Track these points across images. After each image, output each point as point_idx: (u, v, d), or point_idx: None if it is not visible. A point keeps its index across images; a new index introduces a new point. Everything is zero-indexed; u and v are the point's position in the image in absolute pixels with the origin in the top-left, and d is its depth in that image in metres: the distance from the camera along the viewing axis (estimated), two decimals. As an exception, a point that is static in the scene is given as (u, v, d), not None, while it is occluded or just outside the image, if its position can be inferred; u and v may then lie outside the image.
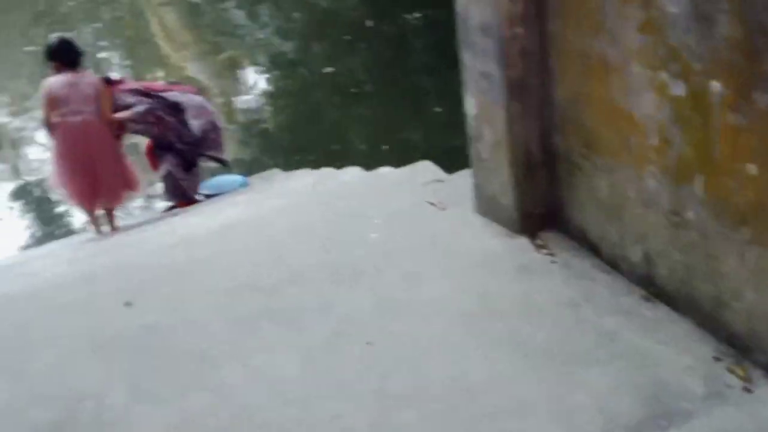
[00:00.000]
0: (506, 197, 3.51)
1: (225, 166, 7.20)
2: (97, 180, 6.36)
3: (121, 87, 6.68)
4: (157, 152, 6.84)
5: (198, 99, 7.00)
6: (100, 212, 6.67)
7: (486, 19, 3.20)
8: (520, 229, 3.52)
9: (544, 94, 3.30)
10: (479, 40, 3.28)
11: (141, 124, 6.58)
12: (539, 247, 3.44)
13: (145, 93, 6.71)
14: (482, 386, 2.73)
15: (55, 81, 6.19)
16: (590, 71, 3.01)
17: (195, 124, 6.70)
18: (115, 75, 7.07)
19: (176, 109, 6.73)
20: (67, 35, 6.79)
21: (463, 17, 3.36)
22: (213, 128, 6.86)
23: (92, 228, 6.70)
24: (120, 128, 6.52)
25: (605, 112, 3.00)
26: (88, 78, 6.33)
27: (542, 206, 3.51)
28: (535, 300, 3.12)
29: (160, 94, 6.78)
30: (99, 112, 6.23)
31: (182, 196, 6.88)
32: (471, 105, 3.54)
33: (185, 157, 6.80)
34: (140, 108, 6.54)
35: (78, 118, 6.14)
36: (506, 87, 3.24)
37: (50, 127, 6.24)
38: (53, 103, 6.14)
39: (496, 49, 3.20)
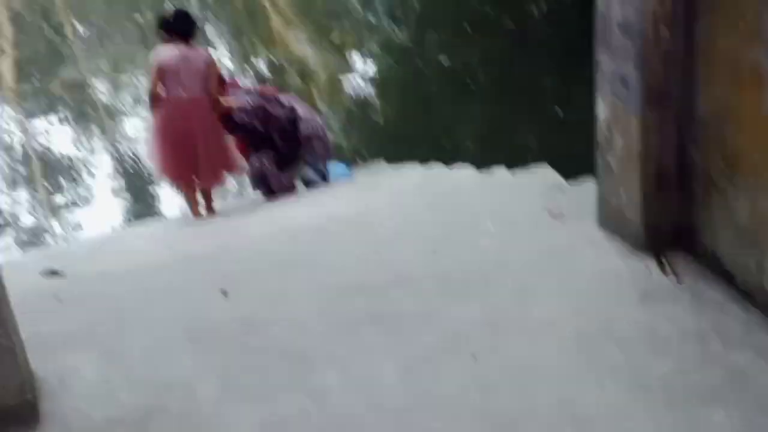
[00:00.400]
0: (634, 212, 3.42)
1: (324, 181, 7.22)
2: (197, 159, 6.46)
3: (236, 86, 6.86)
4: (251, 146, 6.97)
5: (309, 109, 7.17)
6: (196, 193, 6.79)
7: (628, 18, 3.12)
8: (646, 247, 3.43)
9: (684, 103, 3.20)
10: (618, 39, 3.21)
11: (249, 114, 6.70)
12: (666, 269, 3.34)
13: (260, 94, 6.88)
14: (592, 416, 2.66)
15: (167, 52, 6.30)
16: (740, 82, 2.90)
17: (303, 127, 6.85)
18: (228, 76, 7.23)
19: (292, 110, 6.89)
20: (183, 7, 6.94)
21: (603, 13, 3.28)
22: (318, 138, 6.96)
23: (188, 208, 6.83)
24: (227, 113, 6.63)
25: (753, 129, 2.89)
26: (200, 53, 6.44)
27: (672, 225, 3.41)
28: (658, 328, 3.02)
29: (275, 96, 6.95)
30: (206, 90, 6.33)
31: (267, 188, 6.98)
32: (602, 110, 3.46)
33: (282, 156, 6.92)
34: (249, 99, 6.68)
35: (185, 92, 6.24)
36: (644, 93, 3.15)
37: (154, 99, 6.36)
38: (162, 74, 6.26)
39: (637, 51, 3.12)
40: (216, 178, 6.84)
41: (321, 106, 10.12)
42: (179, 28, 6.42)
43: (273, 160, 6.94)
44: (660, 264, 3.37)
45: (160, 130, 6.47)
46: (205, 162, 6.56)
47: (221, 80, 6.89)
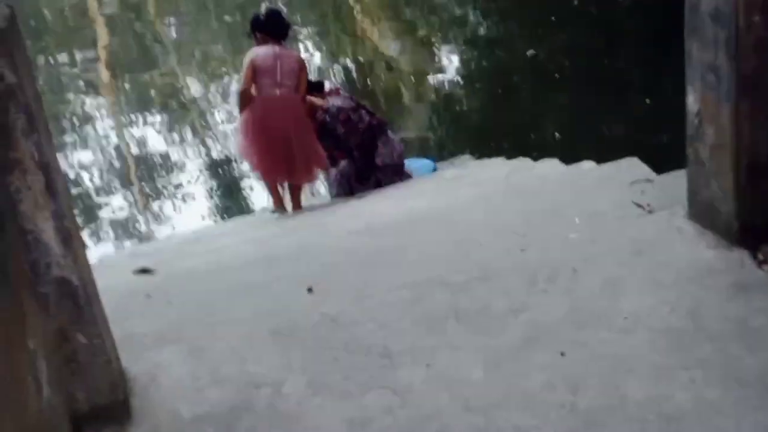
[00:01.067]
0: (726, 204, 3.33)
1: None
2: (292, 156, 6.56)
3: (335, 95, 6.94)
4: (334, 146, 7.03)
5: (396, 137, 7.22)
6: (284, 189, 6.88)
7: (719, 5, 3.04)
8: (738, 241, 3.34)
9: (778, 91, 3.11)
10: (709, 28, 3.13)
11: (330, 117, 6.77)
12: (760, 262, 3.25)
13: (357, 102, 6.95)
14: (685, 413, 2.60)
15: (262, 52, 6.42)
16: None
17: (381, 150, 6.90)
18: (328, 84, 7.31)
19: (380, 125, 6.94)
20: (275, 8, 7.04)
21: (693, 2, 3.20)
22: (393, 165, 6.99)
23: (275, 205, 6.93)
24: (310, 112, 6.73)
25: None
26: (293, 53, 6.55)
27: (766, 217, 3.32)
28: (752, 322, 2.94)
29: (370, 109, 7.01)
30: (298, 88, 6.44)
31: (350, 193, 7.03)
32: (693, 100, 3.38)
33: (359, 169, 6.97)
34: (336, 102, 6.75)
35: (280, 91, 6.35)
36: (736, 82, 3.06)
37: (245, 98, 6.48)
38: (257, 73, 6.37)
39: (728, 39, 3.04)
40: (309, 175, 6.95)
41: (406, 101, 10.14)
42: (273, 28, 6.53)
43: (353, 171, 7.01)
44: (754, 257, 3.28)
45: (255, 128, 6.57)
46: (300, 159, 6.66)
47: (320, 87, 7.00)
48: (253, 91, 6.47)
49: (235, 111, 6.89)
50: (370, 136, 6.94)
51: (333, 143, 6.97)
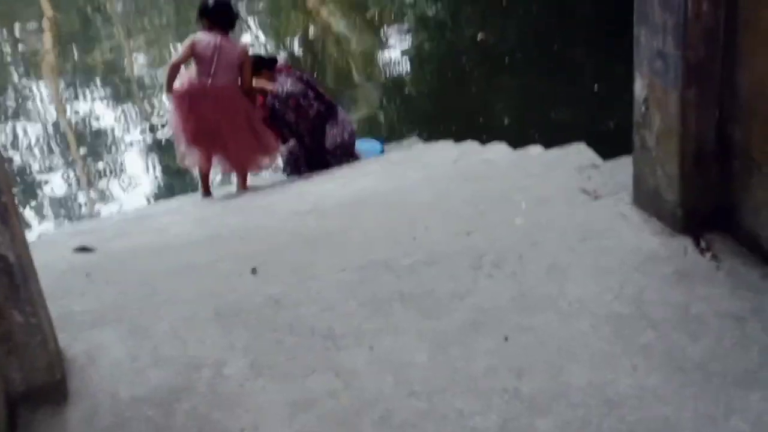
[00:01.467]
0: (671, 191, 3.36)
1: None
2: (223, 146, 6.54)
3: (285, 72, 6.85)
4: (285, 130, 6.98)
5: (346, 115, 7.17)
6: (209, 174, 6.86)
7: (668, -8, 3.06)
8: (683, 228, 3.37)
9: (725, 79, 3.13)
10: (658, 14, 3.13)
11: (280, 103, 6.72)
12: (703, 250, 3.28)
13: (307, 83, 6.86)
14: (627, 398, 2.63)
15: (204, 39, 6.35)
16: (784, 57, 2.84)
17: (331, 134, 6.85)
18: (281, 60, 7.21)
19: (329, 109, 6.88)
20: None
21: (642, -12, 3.22)
22: (343, 146, 6.96)
23: (202, 191, 6.89)
24: (259, 98, 6.68)
25: (796, 106, 2.82)
26: (234, 45, 6.47)
27: (710, 205, 3.35)
28: (694, 309, 2.97)
29: (320, 90, 6.94)
30: (239, 81, 6.38)
31: (298, 173, 7.00)
32: (640, 86, 3.39)
33: (309, 154, 6.94)
34: (286, 87, 6.68)
35: (211, 82, 6.31)
36: (684, 70, 3.08)
37: (173, 72, 6.42)
38: (195, 57, 6.32)
39: (677, 27, 3.05)
40: (251, 165, 6.91)
41: (356, 80, 10.10)
42: (218, 17, 6.45)
43: (303, 154, 6.98)
44: (697, 245, 3.31)
45: (187, 115, 6.52)
46: (234, 151, 6.62)
47: (273, 63, 6.92)
48: (183, 70, 6.43)
49: (166, 91, 6.82)
50: (320, 122, 6.90)
51: (283, 127, 6.94)
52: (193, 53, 6.37)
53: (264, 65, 6.89)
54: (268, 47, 10.89)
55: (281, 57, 8.36)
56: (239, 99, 6.51)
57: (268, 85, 6.81)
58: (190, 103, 6.41)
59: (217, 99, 6.39)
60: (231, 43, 6.47)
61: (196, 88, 6.38)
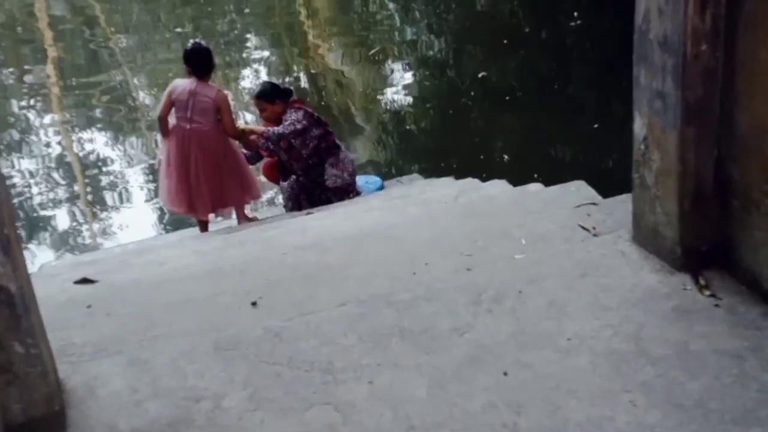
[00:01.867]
0: (670, 229, 3.37)
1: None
2: (198, 189, 6.66)
3: (296, 105, 6.89)
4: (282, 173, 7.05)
5: (348, 154, 7.21)
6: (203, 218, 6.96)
7: (668, 33, 3.09)
8: (682, 266, 3.38)
9: (723, 119, 3.16)
10: (657, 55, 3.17)
11: (273, 144, 6.77)
12: (702, 287, 3.29)
13: (315, 120, 6.90)
14: (626, 435, 2.63)
15: (180, 85, 6.55)
16: (781, 98, 2.86)
17: (331, 172, 6.88)
18: (295, 96, 7.27)
19: (330, 147, 6.92)
20: (204, 43, 7.14)
21: (642, 29, 3.25)
22: (343, 185, 6.99)
23: (200, 227, 7.00)
24: (250, 140, 6.79)
25: (794, 146, 2.84)
26: (209, 91, 6.60)
27: (709, 243, 3.36)
28: (693, 347, 2.98)
29: (328, 129, 6.97)
30: (216, 124, 6.52)
31: (299, 209, 7.02)
32: (639, 126, 3.42)
33: (308, 189, 6.98)
34: (277, 129, 6.73)
35: (190, 126, 6.48)
36: (683, 110, 3.11)
37: (163, 125, 6.63)
38: (174, 104, 6.52)
39: (676, 68, 3.08)
40: (235, 203, 7.01)
41: (356, 116, 10.15)
42: (195, 65, 6.62)
43: (301, 191, 7.02)
44: (696, 282, 3.32)
45: (169, 159, 6.69)
46: (212, 190, 6.72)
47: (288, 94, 6.97)
48: (171, 119, 6.60)
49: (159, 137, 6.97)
50: (318, 160, 6.92)
51: (283, 170, 7.03)
52: (170, 99, 6.52)
53: (278, 95, 6.92)
54: (283, 79, 10.95)
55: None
56: (217, 141, 6.65)
57: (259, 129, 6.87)
58: (176, 148, 6.57)
59: (196, 142, 6.53)
60: (206, 87, 6.58)
61: (180, 132, 6.54)
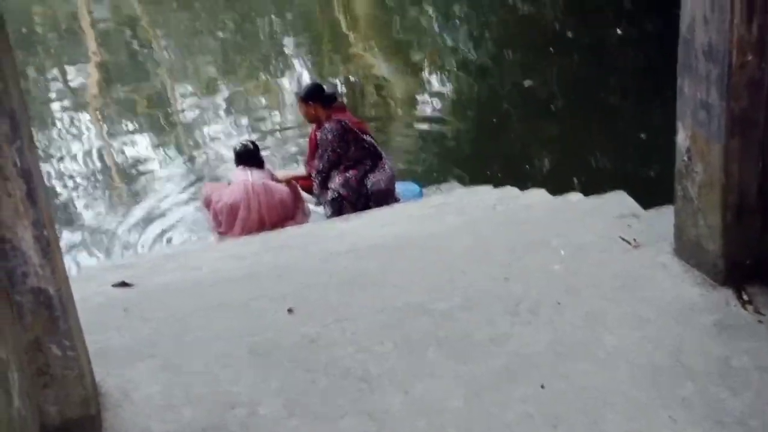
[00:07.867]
0: (712, 242, 3.34)
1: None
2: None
3: (339, 116, 6.91)
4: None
5: (389, 161, 7.27)
6: None
7: (713, 43, 3.05)
8: (724, 280, 3.34)
9: (768, 131, 3.13)
10: (702, 65, 3.14)
11: (323, 175, 6.92)
12: (745, 302, 3.25)
13: (359, 131, 6.93)
14: (664, 451, 2.60)
15: (228, 190, 6.75)
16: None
17: (373, 179, 6.94)
18: (339, 98, 7.35)
19: (371, 156, 6.96)
20: (252, 140, 7.36)
21: (687, 38, 3.22)
22: (383, 192, 7.03)
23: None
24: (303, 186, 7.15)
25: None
26: (278, 186, 6.85)
27: (752, 256, 3.32)
28: (735, 363, 2.94)
29: (366, 138, 7.00)
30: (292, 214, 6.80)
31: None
32: (683, 137, 3.39)
33: (351, 197, 7.03)
34: (318, 166, 6.90)
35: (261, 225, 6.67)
36: (728, 120, 3.08)
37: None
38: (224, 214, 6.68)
39: (721, 78, 3.05)
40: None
41: (396, 123, 10.15)
42: (248, 161, 6.86)
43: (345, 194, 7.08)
44: (739, 297, 3.28)
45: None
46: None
47: (332, 100, 7.01)
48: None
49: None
50: (358, 174, 6.97)
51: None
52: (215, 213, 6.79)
53: (311, 98, 6.94)
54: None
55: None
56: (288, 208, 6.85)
57: (298, 173, 7.24)
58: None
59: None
60: (271, 184, 6.79)
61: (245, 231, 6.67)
